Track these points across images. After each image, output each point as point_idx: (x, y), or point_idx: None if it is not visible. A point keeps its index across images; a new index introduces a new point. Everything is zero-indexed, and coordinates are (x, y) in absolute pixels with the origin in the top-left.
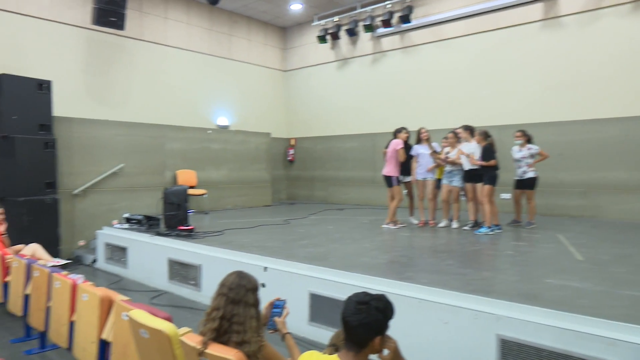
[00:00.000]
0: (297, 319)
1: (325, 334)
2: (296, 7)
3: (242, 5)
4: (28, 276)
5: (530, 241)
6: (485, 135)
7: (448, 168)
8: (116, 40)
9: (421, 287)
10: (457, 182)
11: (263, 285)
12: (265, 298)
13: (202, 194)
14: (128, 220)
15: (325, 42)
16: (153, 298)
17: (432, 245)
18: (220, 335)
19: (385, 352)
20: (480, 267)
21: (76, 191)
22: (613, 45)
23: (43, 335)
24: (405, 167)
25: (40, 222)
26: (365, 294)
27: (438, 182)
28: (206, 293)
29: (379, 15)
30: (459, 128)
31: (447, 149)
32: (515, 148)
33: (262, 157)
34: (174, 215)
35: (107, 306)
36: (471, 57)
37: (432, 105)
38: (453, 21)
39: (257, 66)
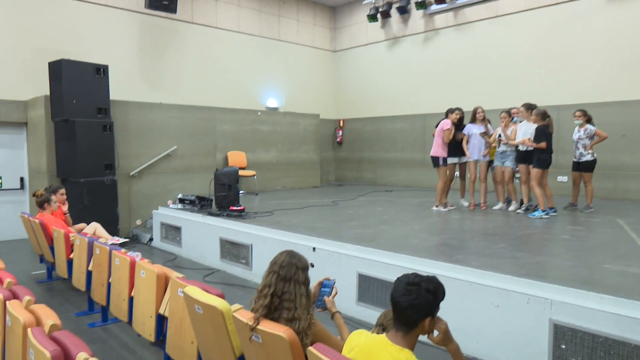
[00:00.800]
0: (345, 299)
1: (372, 314)
2: None
3: None
4: (90, 254)
5: (588, 225)
6: (544, 115)
7: (501, 149)
8: (168, 24)
9: (472, 270)
10: (509, 162)
11: (312, 265)
12: (314, 278)
13: (252, 175)
14: (181, 200)
15: (376, 21)
16: (206, 276)
17: (484, 228)
18: (272, 312)
19: (435, 333)
20: (534, 251)
21: (133, 172)
22: None
23: (105, 310)
24: (459, 148)
25: (99, 202)
26: (415, 275)
27: (490, 163)
28: (257, 272)
29: None
30: (521, 107)
31: (499, 130)
32: (576, 129)
33: (310, 139)
34: (225, 196)
35: (163, 283)
36: (530, 34)
37: (486, 85)
38: None
39: (306, 47)
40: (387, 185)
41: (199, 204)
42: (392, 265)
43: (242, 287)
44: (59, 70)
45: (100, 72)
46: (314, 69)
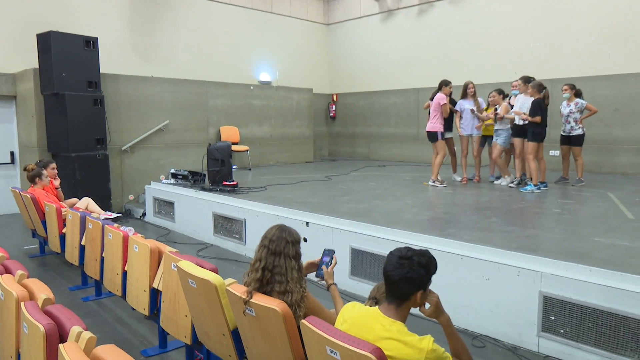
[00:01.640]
0: (338, 273)
1: (365, 287)
2: None
3: None
4: (82, 228)
5: (579, 199)
6: (540, 87)
7: (496, 126)
8: None
9: (463, 244)
10: (500, 140)
11: (305, 240)
12: (307, 253)
13: (245, 150)
14: (174, 175)
15: None
16: (199, 250)
17: (476, 203)
18: (264, 285)
19: (427, 306)
20: (526, 224)
21: (125, 147)
22: None
23: (98, 284)
24: (448, 122)
25: (91, 177)
26: (407, 249)
27: (483, 139)
28: (250, 246)
29: None
30: (518, 79)
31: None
32: (564, 103)
33: (304, 114)
34: (218, 171)
35: (156, 257)
36: (523, 6)
37: (479, 59)
38: None
39: (299, 20)
40: (380, 160)
41: (192, 179)
42: (385, 240)
43: (235, 261)
44: (47, 42)
45: (90, 44)
46: (307, 43)
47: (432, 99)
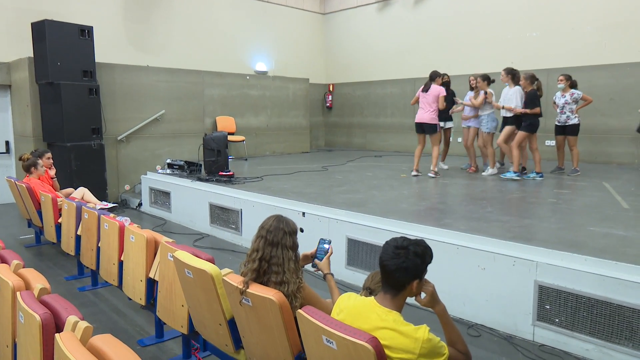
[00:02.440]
0: (334, 263)
1: (361, 277)
2: None
3: None
4: (78, 218)
5: (574, 189)
6: (532, 79)
7: (479, 112)
8: None
9: (459, 234)
10: (484, 127)
11: (301, 230)
12: (303, 243)
13: (241, 141)
14: (170, 165)
15: None
16: (196, 241)
17: (472, 193)
18: (261, 275)
19: (423, 295)
20: (521, 214)
21: (120, 137)
22: None
23: (95, 274)
24: (445, 113)
25: (87, 167)
26: (403, 238)
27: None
28: (246, 236)
29: None
30: (502, 71)
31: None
32: (559, 93)
33: (300, 104)
34: (214, 161)
35: (153, 247)
36: None
37: (476, 48)
38: None
39: (295, 9)
40: (376, 151)
41: (188, 169)
42: (381, 230)
43: (231, 251)
44: (42, 31)
45: (85, 33)
46: (303, 32)
47: (425, 91)
